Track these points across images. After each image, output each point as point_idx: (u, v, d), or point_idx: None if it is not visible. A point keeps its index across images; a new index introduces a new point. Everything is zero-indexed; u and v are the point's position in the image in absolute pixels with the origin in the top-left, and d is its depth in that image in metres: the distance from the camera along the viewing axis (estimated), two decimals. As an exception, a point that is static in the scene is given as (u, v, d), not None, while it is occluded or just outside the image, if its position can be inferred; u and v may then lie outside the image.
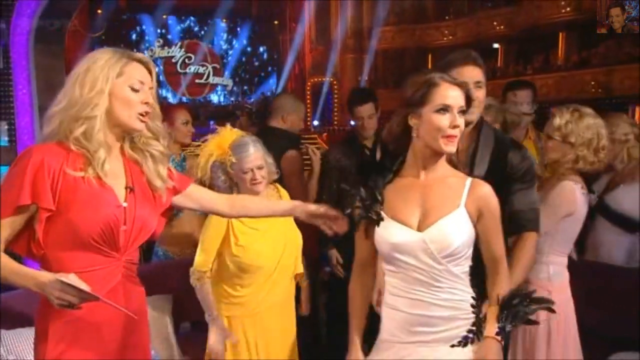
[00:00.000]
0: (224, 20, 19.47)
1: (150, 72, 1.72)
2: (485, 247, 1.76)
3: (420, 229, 1.72)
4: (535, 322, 1.88)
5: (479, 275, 1.80)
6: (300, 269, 2.61)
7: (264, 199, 2.12)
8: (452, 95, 1.71)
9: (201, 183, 2.45)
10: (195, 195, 1.89)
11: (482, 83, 2.09)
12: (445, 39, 17.45)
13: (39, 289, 1.51)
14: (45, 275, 1.52)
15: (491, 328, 1.72)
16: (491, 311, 1.75)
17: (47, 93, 4.43)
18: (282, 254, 2.48)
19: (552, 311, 1.83)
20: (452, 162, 1.82)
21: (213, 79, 19.99)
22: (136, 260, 1.76)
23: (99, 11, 16.20)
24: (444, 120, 1.70)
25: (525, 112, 3.47)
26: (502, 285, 1.78)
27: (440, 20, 17.65)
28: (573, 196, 2.39)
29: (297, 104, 3.56)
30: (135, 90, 1.66)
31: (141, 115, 1.67)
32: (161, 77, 18.95)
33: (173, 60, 19.33)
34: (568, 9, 14.05)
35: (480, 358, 1.70)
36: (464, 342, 1.73)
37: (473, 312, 1.75)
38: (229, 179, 2.47)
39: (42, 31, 4.49)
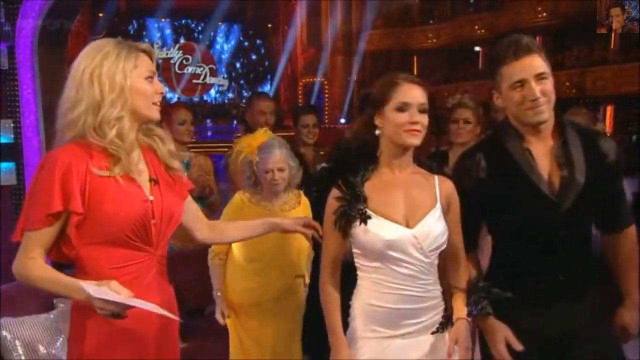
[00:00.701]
0: (220, 23, 19.35)
1: (153, 61, 1.65)
2: (449, 238, 1.76)
3: (409, 225, 1.70)
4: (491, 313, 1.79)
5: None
6: (301, 271, 2.58)
7: (245, 223, 1.99)
8: (410, 93, 1.70)
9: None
10: (186, 207, 1.76)
11: (547, 73, 1.71)
12: (429, 41, 17.47)
13: (84, 299, 1.40)
14: (90, 288, 1.39)
15: (461, 311, 1.76)
16: (460, 297, 1.79)
17: (51, 92, 4.39)
18: (277, 251, 2.46)
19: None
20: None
21: (210, 80, 19.89)
22: (166, 255, 1.68)
23: (100, 14, 16.06)
24: (403, 117, 1.68)
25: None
26: (465, 273, 1.82)
27: (424, 24, 17.67)
28: None
29: (254, 102, 3.56)
30: (149, 81, 1.58)
31: (155, 104, 1.59)
32: (160, 78, 18.82)
33: (171, 62, 19.20)
34: (544, 14, 14.12)
35: (454, 337, 1.73)
36: (441, 328, 1.75)
37: (444, 299, 1.78)
38: (255, 177, 2.49)
39: (46, 33, 4.44)
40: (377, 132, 1.73)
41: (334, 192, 1.74)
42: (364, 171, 1.75)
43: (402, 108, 1.68)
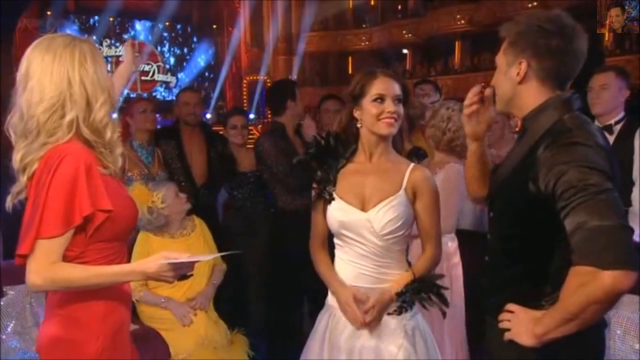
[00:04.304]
0: (167, 23, 18.71)
1: None
2: (417, 222, 1.76)
3: (365, 209, 1.71)
4: (426, 305, 1.75)
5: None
6: (210, 279, 2.74)
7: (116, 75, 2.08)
8: (385, 86, 1.72)
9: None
10: None
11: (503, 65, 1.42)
12: (362, 44, 17.63)
13: (148, 278, 1.41)
14: (149, 266, 1.38)
15: (396, 286, 1.71)
16: (406, 276, 1.73)
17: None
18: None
19: (446, 304, 1.77)
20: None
21: (158, 77, 19.25)
22: None
23: (49, 12, 15.15)
24: (380, 107, 1.70)
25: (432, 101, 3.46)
26: (424, 260, 1.78)
27: (358, 27, 17.79)
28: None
29: (180, 95, 3.57)
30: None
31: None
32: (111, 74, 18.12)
33: (120, 60, 18.44)
34: (462, 21, 14.57)
35: (373, 302, 1.69)
36: (398, 311, 1.72)
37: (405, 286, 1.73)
38: (161, 217, 2.58)
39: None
40: (358, 124, 1.75)
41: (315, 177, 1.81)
42: (341, 159, 1.78)
43: (379, 99, 1.70)
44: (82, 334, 1.42)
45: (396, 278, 1.73)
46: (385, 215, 1.69)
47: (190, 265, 1.43)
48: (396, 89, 1.72)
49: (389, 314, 1.72)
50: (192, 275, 1.46)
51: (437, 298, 1.75)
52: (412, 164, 1.77)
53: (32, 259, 1.32)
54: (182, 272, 1.41)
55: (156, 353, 2.43)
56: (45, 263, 1.32)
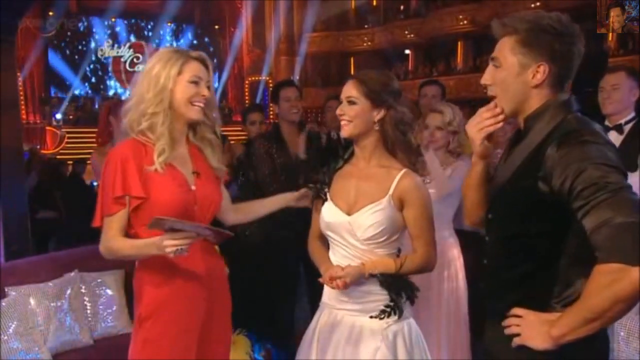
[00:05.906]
0: (169, 24, 18.75)
1: (207, 68, 1.74)
2: (408, 228, 1.72)
3: (349, 212, 1.71)
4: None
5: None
6: None
7: (263, 201, 2.01)
8: (343, 90, 1.75)
9: None
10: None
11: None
12: (364, 44, 17.65)
13: (159, 251, 1.54)
14: (157, 238, 1.55)
15: (372, 268, 1.67)
16: (387, 263, 1.68)
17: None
18: None
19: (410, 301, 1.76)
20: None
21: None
22: None
23: (51, 13, 15.19)
24: (337, 110, 1.76)
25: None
26: (414, 257, 1.73)
27: (360, 28, 17.81)
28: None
29: None
30: (194, 85, 1.68)
31: (199, 106, 1.70)
32: (110, 74, 18.18)
33: (122, 60, 18.47)
34: (465, 22, 14.56)
35: (348, 269, 1.66)
36: (381, 315, 1.70)
37: (388, 292, 1.70)
38: None
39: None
40: None
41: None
42: (340, 160, 1.81)
43: (341, 102, 1.74)
44: (137, 299, 1.74)
45: (375, 282, 1.69)
46: (367, 220, 1.67)
47: (187, 239, 1.52)
48: (347, 90, 1.71)
49: (371, 317, 1.70)
50: (188, 253, 1.54)
51: (397, 303, 1.70)
52: (403, 170, 1.70)
53: (102, 232, 1.67)
54: (174, 242, 1.51)
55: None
56: (107, 236, 1.65)
